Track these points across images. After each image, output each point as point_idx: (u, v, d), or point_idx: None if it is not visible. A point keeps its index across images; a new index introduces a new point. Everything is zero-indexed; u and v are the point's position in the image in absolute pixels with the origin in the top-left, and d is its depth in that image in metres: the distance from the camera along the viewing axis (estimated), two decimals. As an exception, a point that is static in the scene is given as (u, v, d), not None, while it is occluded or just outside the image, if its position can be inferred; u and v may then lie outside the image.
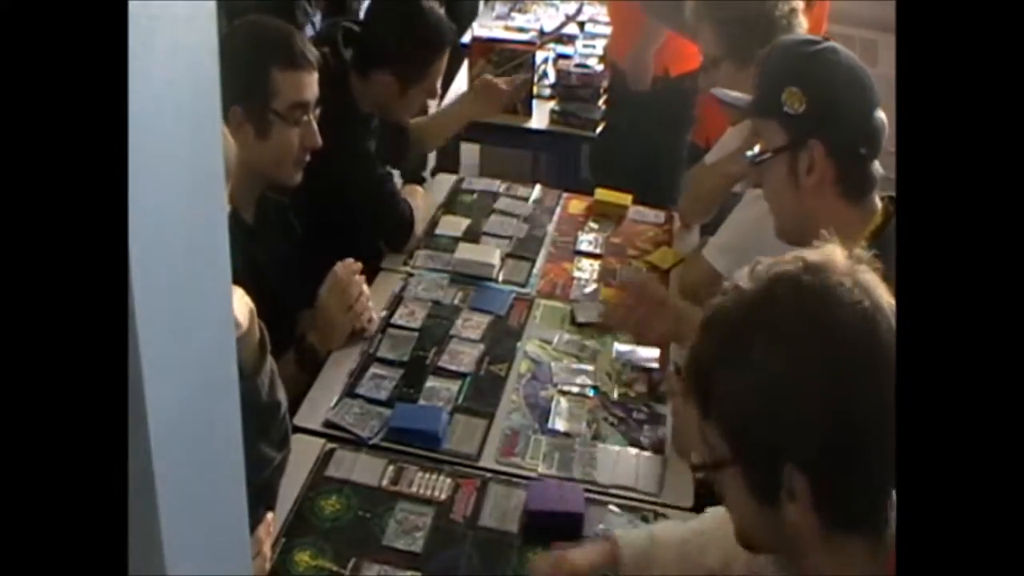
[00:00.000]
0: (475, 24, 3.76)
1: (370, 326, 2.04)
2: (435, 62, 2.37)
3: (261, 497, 1.45)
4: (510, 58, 3.21)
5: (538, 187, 2.76)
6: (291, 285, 2.07)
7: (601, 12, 3.90)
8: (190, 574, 0.74)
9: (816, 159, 1.59)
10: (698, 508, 1.65)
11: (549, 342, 2.07)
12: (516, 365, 1.99)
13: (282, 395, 1.48)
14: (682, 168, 2.92)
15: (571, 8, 4.01)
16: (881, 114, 1.62)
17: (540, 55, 3.44)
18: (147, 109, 0.60)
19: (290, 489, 1.60)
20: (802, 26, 2.13)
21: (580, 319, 2.15)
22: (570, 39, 3.78)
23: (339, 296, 1.97)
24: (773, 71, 1.66)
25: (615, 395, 1.93)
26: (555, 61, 3.54)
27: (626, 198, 2.66)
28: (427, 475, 1.68)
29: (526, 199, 2.68)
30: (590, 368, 1.99)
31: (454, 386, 1.91)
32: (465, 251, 2.35)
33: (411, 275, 2.27)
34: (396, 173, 2.53)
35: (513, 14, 3.99)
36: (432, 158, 3.36)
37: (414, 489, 1.65)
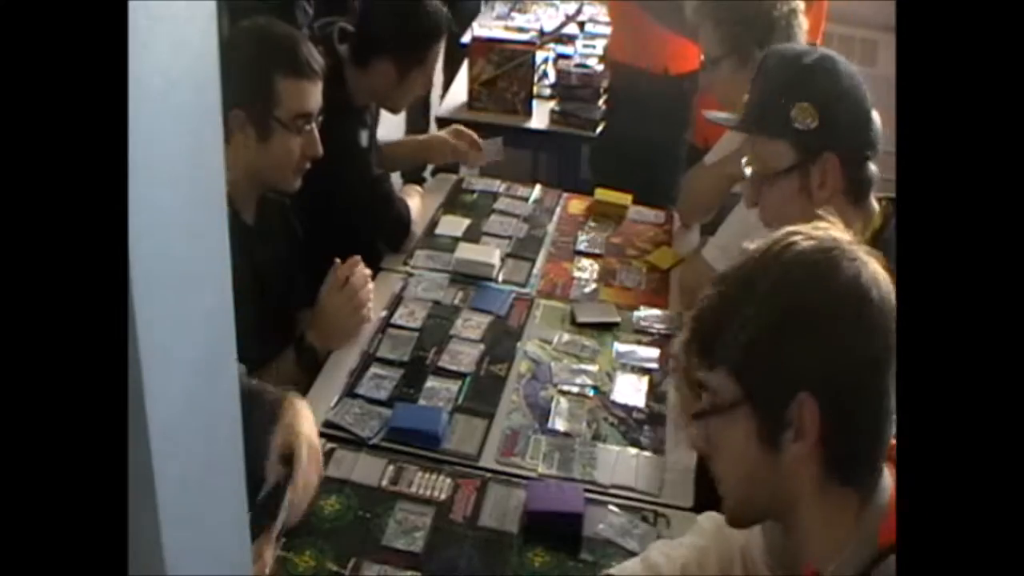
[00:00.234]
0: (475, 24, 3.76)
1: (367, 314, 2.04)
2: (432, 47, 2.37)
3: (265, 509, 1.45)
4: (510, 58, 3.21)
5: (538, 187, 2.76)
6: (291, 285, 2.08)
7: (601, 12, 3.90)
8: (190, 574, 0.74)
9: (829, 172, 1.58)
10: (698, 508, 1.65)
11: (549, 342, 2.07)
12: (516, 365, 1.99)
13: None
14: (682, 168, 2.93)
15: (571, 8, 4.01)
16: (875, 113, 1.62)
17: (540, 55, 3.44)
18: (147, 109, 0.60)
19: (290, 489, 1.60)
20: (802, 26, 2.13)
21: (580, 319, 2.15)
22: (570, 39, 3.78)
23: (340, 296, 1.97)
24: (774, 88, 1.65)
25: (615, 395, 1.93)
26: (555, 61, 3.54)
27: (626, 198, 2.66)
28: (427, 475, 1.68)
29: (526, 199, 2.68)
30: (590, 368, 1.99)
31: (454, 386, 1.91)
32: (465, 251, 2.35)
33: (411, 275, 2.27)
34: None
35: (513, 14, 3.99)
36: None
37: (414, 489, 1.65)
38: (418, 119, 3.74)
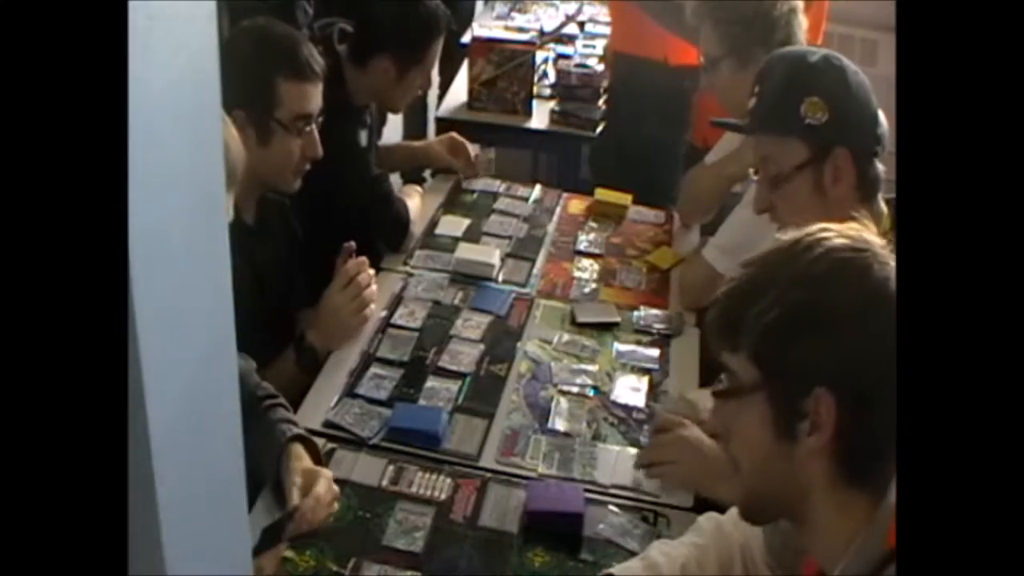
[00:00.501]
0: (475, 24, 3.76)
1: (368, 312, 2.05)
2: (432, 45, 2.37)
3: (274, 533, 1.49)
4: (510, 58, 3.21)
5: (538, 187, 2.76)
6: (291, 285, 2.08)
7: (601, 12, 3.90)
8: (190, 574, 0.74)
9: (842, 167, 1.58)
10: (698, 508, 1.65)
11: (549, 342, 2.07)
12: (516, 365, 1.99)
13: None
14: (681, 168, 2.92)
15: (571, 8, 4.02)
16: (881, 113, 1.63)
17: (540, 55, 3.44)
18: (147, 109, 0.60)
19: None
20: (802, 25, 2.13)
21: (580, 319, 2.15)
22: (570, 39, 3.79)
23: (343, 295, 1.97)
24: (781, 85, 1.64)
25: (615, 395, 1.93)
26: (555, 61, 3.54)
27: (626, 198, 2.66)
28: (427, 475, 1.68)
29: (526, 199, 2.68)
30: (590, 368, 1.99)
31: (454, 386, 1.91)
32: (465, 251, 2.35)
33: (411, 275, 2.27)
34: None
35: (513, 14, 3.99)
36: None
37: (414, 489, 1.65)
38: (417, 120, 3.74)
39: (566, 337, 2.09)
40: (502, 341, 2.06)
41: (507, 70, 3.21)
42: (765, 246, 1.07)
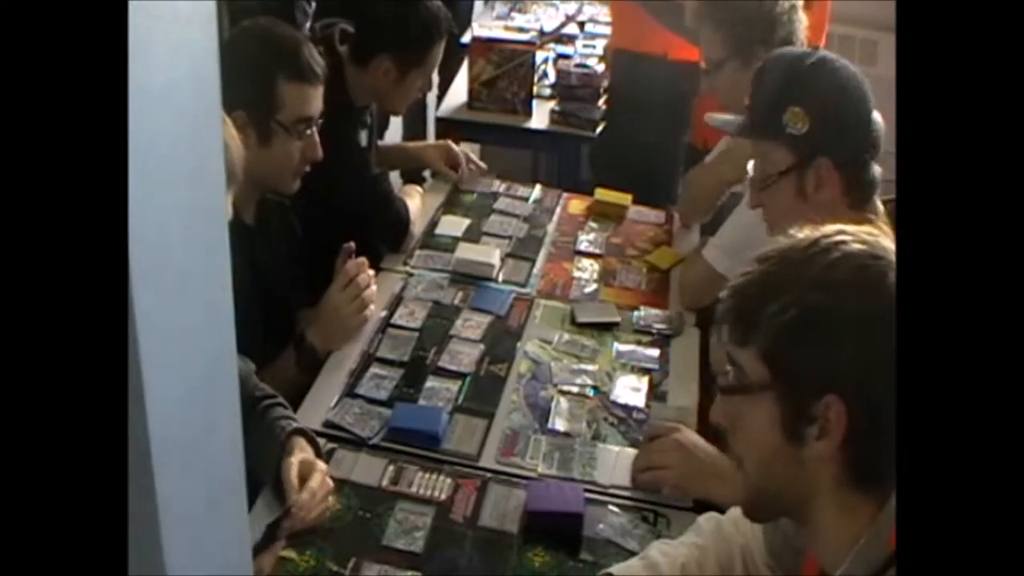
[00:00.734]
0: (475, 24, 3.76)
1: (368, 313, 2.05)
2: (433, 47, 2.36)
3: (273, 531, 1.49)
4: (510, 58, 3.21)
5: (538, 187, 2.76)
6: (291, 285, 2.08)
7: (601, 12, 3.90)
8: (190, 574, 0.74)
9: (824, 176, 1.59)
10: (698, 508, 1.65)
11: (549, 342, 2.07)
12: (516, 365, 1.99)
13: None
14: (681, 168, 2.92)
15: (571, 8, 4.01)
16: (877, 116, 1.62)
17: (540, 55, 3.44)
18: (147, 109, 0.60)
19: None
20: (802, 23, 2.13)
21: (580, 319, 2.15)
22: (570, 39, 3.79)
23: (344, 295, 1.97)
24: (771, 91, 1.66)
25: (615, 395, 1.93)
26: (555, 61, 3.54)
27: (626, 198, 2.66)
28: (427, 475, 1.68)
29: (526, 199, 2.68)
30: (590, 368, 1.99)
31: (454, 386, 1.91)
32: (465, 251, 2.35)
33: (411, 275, 2.27)
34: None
35: (513, 14, 3.99)
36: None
37: (414, 489, 1.65)
38: (417, 120, 3.74)
39: (566, 337, 2.09)
40: (502, 341, 2.06)
41: (507, 70, 3.21)
42: (781, 243, 1.06)
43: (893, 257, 0.99)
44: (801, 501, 1.04)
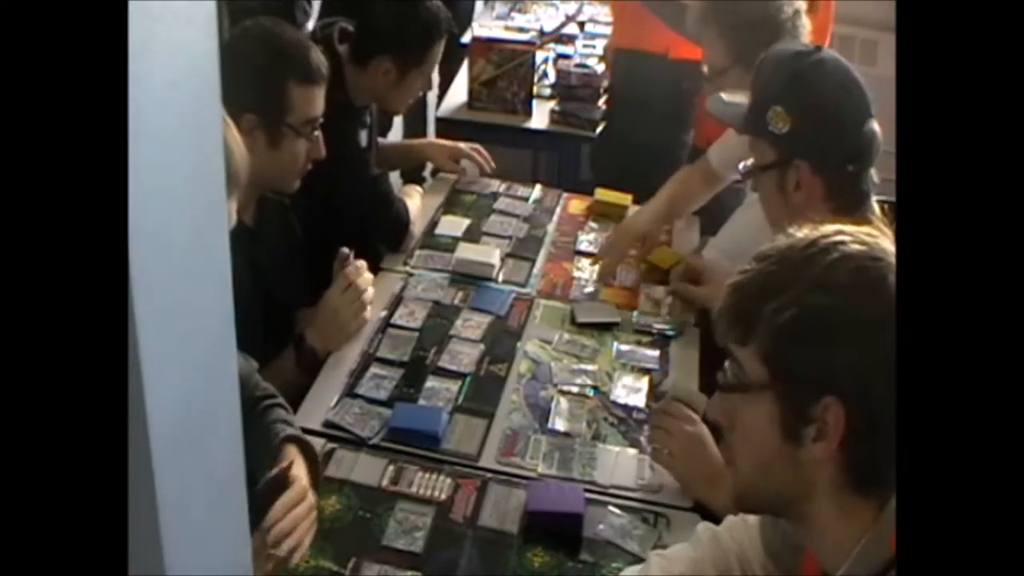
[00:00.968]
0: (475, 24, 3.76)
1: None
2: (433, 47, 2.36)
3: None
4: (510, 58, 3.21)
5: (538, 187, 2.76)
6: (291, 285, 2.08)
7: (601, 12, 3.90)
8: (190, 574, 0.74)
9: (802, 178, 1.60)
10: (698, 508, 1.65)
11: (549, 342, 2.07)
12: (516, 365, 1.99)
13: None
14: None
15: (571, 8, 4.02)
16: (873, 125, 1.60)
17: (540, 55, 3.44)
18: (147, 110, 0.60)
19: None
20: (806, 27, 2.13)
21: (580, 319, 2.15)
22: (570, 39, 3.79)
23: (343, 298, 1.97)
24: (761, 89, 1.66)
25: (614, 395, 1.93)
26: (555, 61, 3.54)
27: (626, 198, 2.66)
28: (427, 475, 1.68)
29: (526, 199, 2.68)
30: (590, 368, 1.99)
31: (454, 386, 1.91)
32: (465, 251, 2.35)
33: (411, 275, 2.28)
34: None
35: (513, 14, 3.99)
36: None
37: (414, 489, 1.65)
38: (417, 120, 3.74)
39: (566, 337, 2.09)
40: (502, 341, 2.06)
41: (507, 70, 3.22)
42: (781, 242, 1.05)
43: (893, 259, 0.99)
44: (796, 501, 1.03)
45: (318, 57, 1.93)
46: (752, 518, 1.32)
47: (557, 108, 3.26)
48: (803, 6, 2.13)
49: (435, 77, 2.77)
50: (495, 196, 2.68)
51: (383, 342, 2.02)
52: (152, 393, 0.63)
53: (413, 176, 3.09)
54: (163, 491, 0.66)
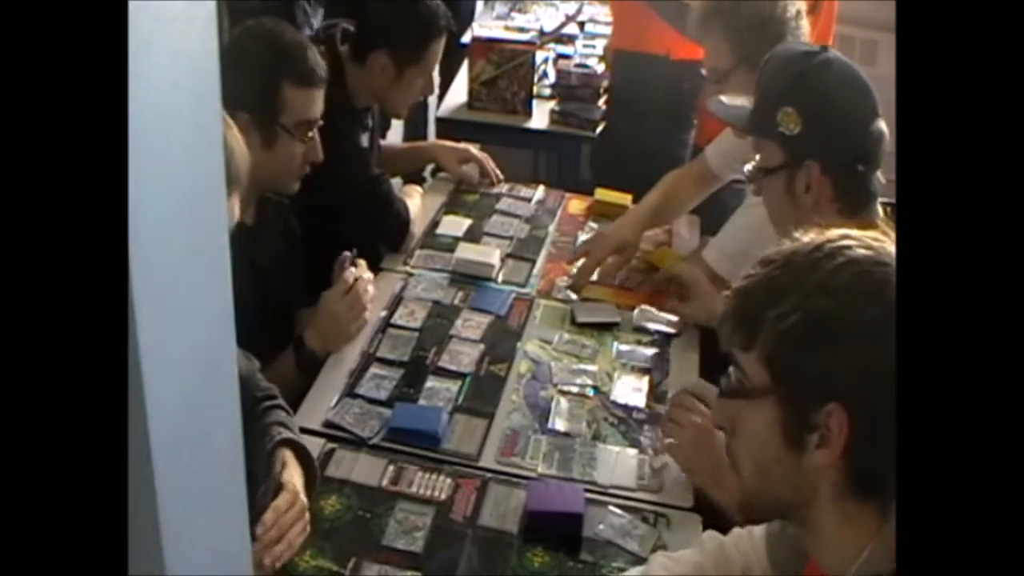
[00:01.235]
0: (475, 24, 3.76)
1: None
2: (430, 44, 2.35)
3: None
4: (510, 58, 3.21)
5: (541, 188, 2.76)
6: (291, 285, 2.08)
7: (601, 12, 3.90)
8: (190, 574, 0.74)
9: (813, 179, 1.59)
10: (698, 508, 1.65)
11: (549, 342, 2.07)
12: (516, 365, 1.99)
13: None
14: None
15: (571, 8, 4.01)
16: (880, 125, 1.60)
17: (540, 55, 3.44)
18: (147, 110, 0.60)
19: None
20: (805, 28, 2.12)
21: (580, 319, 2.15)
22: (570, 39, 3.79)
23: (346, 303, 1.97)
24: (769, 90, 1.65)
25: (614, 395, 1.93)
26: (555, 61, 3.54)
27: (626, 198, 2.66)
28: (427, 475, 1.68)
29: (528, 199, 2.68)
30: (590, 368, 1.99)
31: (454, 386, 1.91)
32: (465, 251, 2.35)
33: (411, 275, 2.27)
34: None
35: (513, 14, 3.99)
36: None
37: (414, 489, 1.65)
38: (417, 120, 3.74)
39: (566, 337, 2.09)
40: (502, 341, 2.06)
41: (507, 70, 3.21)
42: (784, 245, 1.04)
43: (885, 253, 0.98)
44: (799, 506, 1.03)
45: (316, 59, 1.93)
46: (758, 532, 1.31)
47: (557, 108, 3.26)
48: (804, 7, 2.13)
49: (435, 81, 2.77)
50: (498, 197, 2.68)
51: (383, 342, 2.02)
52: (152, 393, 0.63)
53: (413, 176, 3.09)
54: (163, 491, 0.66)
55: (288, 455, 1.55)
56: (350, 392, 1.87)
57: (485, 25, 3.77)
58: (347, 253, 2.02)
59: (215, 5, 0.68)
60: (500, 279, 2.29)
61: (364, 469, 1.68)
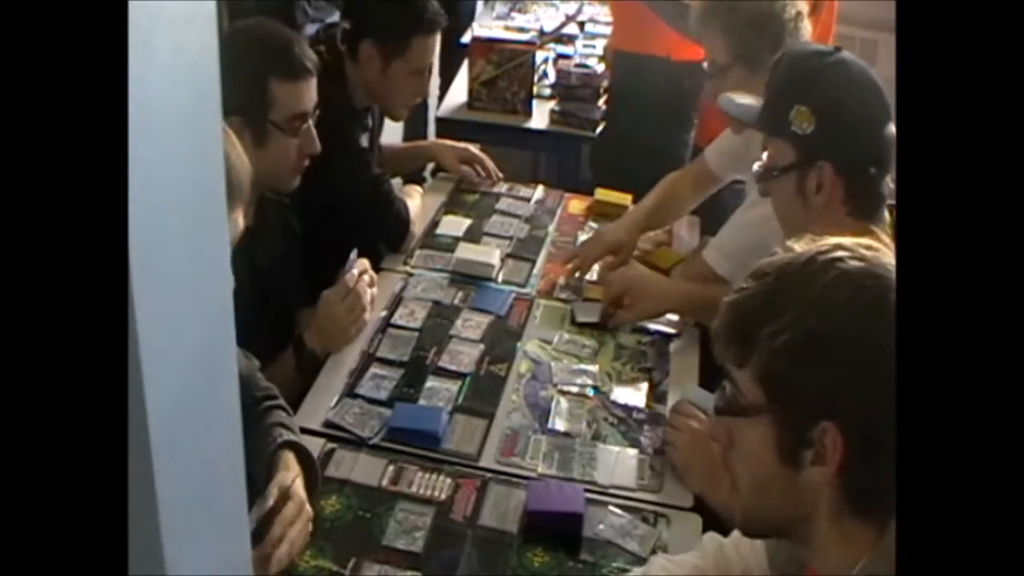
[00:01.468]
0: (475, 24, 3.76)
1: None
2: (416, 37, 2.33)
3: None
4: (510, 58, 3.21)
5: (540, 188, 2.76)
6: (291, 285, 2.08)
7: (601, 12, 3.90)
8: (190, 574, 0.74)
9: (825, 179, 1.57)
10: (698, 509, 1.65)
11: (549, 342, 2.07)
12: (516, 365, 1.99)
13: None
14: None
15: (571, 8, 4.02)
16: (892, 129, 1.58)
17: (540, 55, 3.44)
18: (147, 110, 0.60)
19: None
20: (806, 29, 2.12)
21: (580, 319, 2.15)
22: (570, 39, 3.79)
23: (346, 306, 1.97)
24: (781, 87, 1.63)
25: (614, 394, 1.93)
26: (555, 61, 3.54)
27: (626, 198, 2.66)
28: (427, 475, 1.68)
29: (528, 199, 2.68)
30: (590, 368, 1.99)
31: (454, 386, 1.91)
32: (465, 251, 2.35)
33: (411, 275, 2.27)
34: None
35: (513, 14, 3.99)
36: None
37: (414, 489, 1.65)
38: (417, 121, 3.74)
39: (566, 337, 2.09)
40: (502, 341, 2.06)
41: (507, 70, 3.21)
42: (777, 256, 1.03)
43: (893, 275, 0.97)
44: (797, 523, 1.02)
45: (303, 51, 1.90)
46: None
47: (557, 108, 3.26)
48: (805, 8, 2.13)
49: (435, 82, 2.77)
50: (498, 197, 2.68)
51: (383, 342, 2.02)
52: (152, 393, 0.63)
53: (413, 176, 3.09)
54: (163, 491, 0.66)
55: (290, 457, 1.54)
56: (350, 392, 1.87)
57: (485, 25, 3.77)
58: (353, 257, 2.02)
59: (215, 5, 0.68)
60: (500, 279, 2.29)
61: (364, 469, 1.68)
